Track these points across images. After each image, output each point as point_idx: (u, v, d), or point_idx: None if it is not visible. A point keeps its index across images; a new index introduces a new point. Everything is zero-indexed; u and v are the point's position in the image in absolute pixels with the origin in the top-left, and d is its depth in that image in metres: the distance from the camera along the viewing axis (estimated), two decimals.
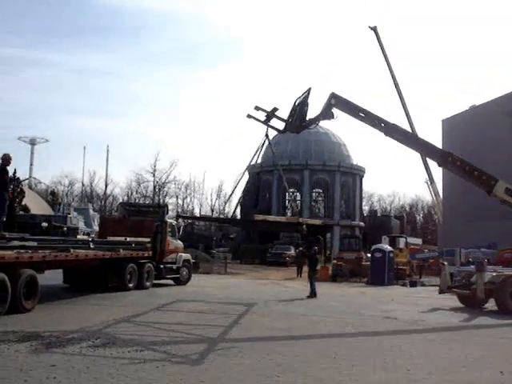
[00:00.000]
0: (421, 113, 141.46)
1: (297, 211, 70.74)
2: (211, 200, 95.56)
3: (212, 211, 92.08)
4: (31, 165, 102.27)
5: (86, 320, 12.99)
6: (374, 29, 51.04)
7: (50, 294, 17.41)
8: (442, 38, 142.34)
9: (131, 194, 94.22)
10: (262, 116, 19.20)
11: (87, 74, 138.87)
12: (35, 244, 15.02)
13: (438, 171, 57.51)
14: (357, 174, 71.87)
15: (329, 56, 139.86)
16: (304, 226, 31.24)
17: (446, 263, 22.92)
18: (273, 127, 19.66)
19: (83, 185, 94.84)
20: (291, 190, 72.32)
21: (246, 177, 71.85)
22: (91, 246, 17.87)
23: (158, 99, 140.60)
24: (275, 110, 19.06)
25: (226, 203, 65.12)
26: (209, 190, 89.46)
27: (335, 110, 18.21)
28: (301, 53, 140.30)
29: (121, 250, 19.54)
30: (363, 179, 74.63)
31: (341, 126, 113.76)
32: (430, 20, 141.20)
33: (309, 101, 18.36)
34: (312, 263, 23.42)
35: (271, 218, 23.69)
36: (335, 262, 36.54)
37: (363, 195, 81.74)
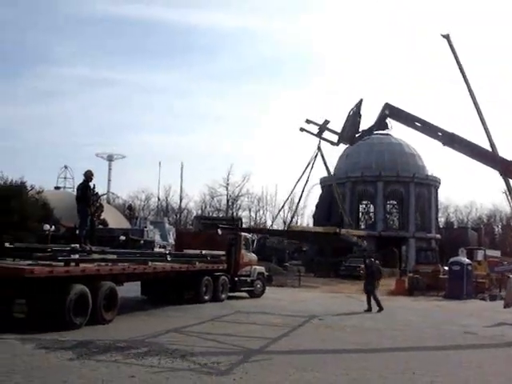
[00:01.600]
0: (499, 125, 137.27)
1: (370, 224, 69.79)
2: (283, 212, 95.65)
3: (284, 224, 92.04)
4: (109, 180, 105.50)
5: (161, 331, 13.28)
6: (447, 37, 49.69)
7: (129, 305, 17.85)
8: None
9: (205, 207, 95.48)
10: (315, 129, 19.08)
11: (159, 92, 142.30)
12: (115, 257, 15.52)
13: None
14: (432, 184, 70.16)
15: (403, 70, 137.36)
16: (364, 242, 30.72)
17: (511, 276, 21.98)
18: (326, 139, 19.42)
19: (159, 199, 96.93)
20: (364, 202, 71.40)
21: (318, 189, 71.53)
22: (168, 259, 18.25)
23: (231, 114, 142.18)
24: (327, 122, 18.89)
25: (292, 218, 64.58)
26: (281, 202, 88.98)
27: (390, 121, 17.82)
28: (371, 65, 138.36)
29: (196, 263, 19.88)
30: (438, 190, 72.81)
31: (414, 136, 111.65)
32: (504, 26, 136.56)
33: (361, 112, 18.11)
34: (371, 276, 22.78)
35: (308, 228, 23.62)
36: (411, 275, 35.77)
37: (439, 206, 79.61)
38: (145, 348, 10.83)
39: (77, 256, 13.76)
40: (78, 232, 16.11)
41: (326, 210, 68.74)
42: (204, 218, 32.35)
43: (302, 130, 19.41)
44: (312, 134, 19.29)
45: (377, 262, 39.97)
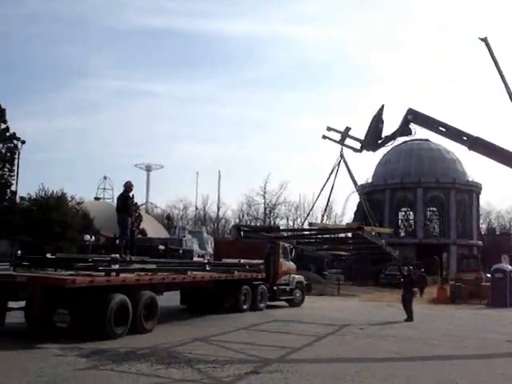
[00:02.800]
0: None
1: (410, 231, 68.89)
2: (321, 221, 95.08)
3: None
4: (147, 190, 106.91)
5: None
6: (485, 40, 48.94)
7: (169, 314, 17.94)
8: None
9: (242, 216, 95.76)
10: (337, 136, 18.96)
11: (195, 102, 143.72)
12: (154, 266, 15.63)
13: None
14: (473, 190, 68.94)
15: (443, 74, 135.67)
16: (396, 251, 30.25)
17: None
18: (349, 146, 19.22)
19: (197, 208, 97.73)
20: (404, 209, 70.57)
21: (356, 196, 71.09)
22: (207, 268, 18.31)
23: (266, 122, 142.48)
24: (348, 129, 18.75)
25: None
26: (318, 210, 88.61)
27: (413, 126, 17.54)
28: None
29: (235, 272, 19.88)
30: (480, 195, 71.47)
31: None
32: None
33: (383, 118, 17.90)
34: (410, 285, 22.37)
35: (330, 225, 23.36)
36: (453, 282, 35.17)
37: (480, 212, 78.16)
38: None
39: (117, 266, 13.90)
40: (118, 242, 16.29)
41: (364, 217, 68.18)
42: (242, 228, 32.11)
43: (324, 137, 19.35)
44: (334, 141, 19.18)
45: (422, 270, 39.59)
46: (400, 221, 71.34)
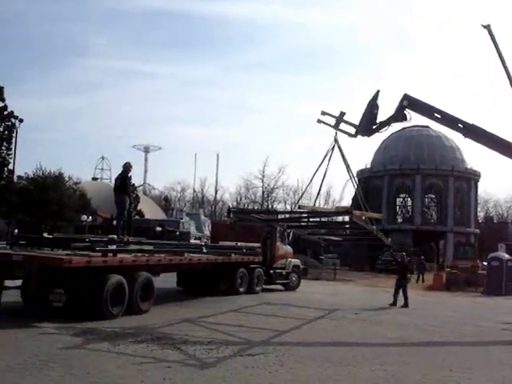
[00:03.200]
0: None
1: (407, 217, 68.92)
2: (319, 205, 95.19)
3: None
4: (145, 172, 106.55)
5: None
6: (488, 27, 48.56)
7: (165, 296, 17.97)
8: None
9: (240, 199, 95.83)
10: (332, 121, 18.90)
11: (193, 84, 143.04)
12: (151, 248, 15.61)
13: None
14: (471, 178, 68.94)
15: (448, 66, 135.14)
16: (389, 239, 30.17)
17: None
18: (343, 131, 19.13)
19: (194, 191, 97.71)
20: (402, 195, 70.59)
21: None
22: (204, 251, 18.29)
23: (267, 106, 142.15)
24: (342, 114, 18.68)
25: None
26: (315, 195, 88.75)
27: (409, 112, 17.49)
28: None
29: (232, 255, 19.88)
30: (478, 184, 71.50)
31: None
32: None
33: (378, 103, 17.83)
34: (404, 271, 22.38)
35: (320, 208, 23.19)
36: (449, 270, 35.27)
37: (478, 200, 78.22)
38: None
39: (114, 246, 13.88)
40: (115, 222, 16.26)
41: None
42: (232, 209, 31.98)
43: (319, 121, 19.25)
44: (329, 125, 19.09)
45: (422, 257, 39.69)
46: (398, 207, 71.38)
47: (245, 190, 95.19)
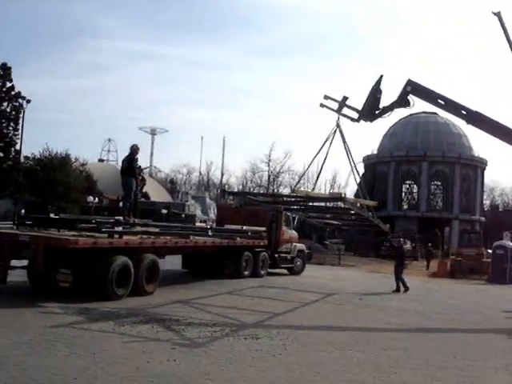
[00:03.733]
0: None
1: (413, 204, 68.78)
2: (325, 191, 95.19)
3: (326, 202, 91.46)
4: (151, 154, 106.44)
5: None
6: (498, 14, 47.90)
7: (170, 278, 18.05)
8: None
9: (246, 183, 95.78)
10: (335, 105, 18.85)
11: (202, 67, 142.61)
12: (157, 230, 15.66)
13: None
14: (478, 166, 68.69)
15: (452, 51, 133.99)
16: (387, 225, 30.11)
17: None
18: (346, 116, 19.05)
19: (200, 174, 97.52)
20: (408, 182, 70.43)
21: (361, 167, 71.09)
22: (209, 234, 18.34)
23: (275, 90, 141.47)
24: (345, 99, 18.63)
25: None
26: (323, 180, 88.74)
27: (412, 98, 17.43)
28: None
29: (237, 238, 19.93)
30: (485, 172, 71.23)
31: None
32: None
33: (381, 88, 17.77)
34: (401, 257, 22.40)
35: (313, 193, 22.94)
36: (454, 257, 35.26)
37: (484, 188, 77.95)
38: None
39: (120, 228, 13.93)
40: (121, 204, 16.28)
41: (369, 189, 67.97)
42: (227, 190, 31.88)
43: (322, 105, 19.17)
44: (332, 109, 19.02)
45: (429, 244, 39.68)
46: (404, 193, 71.24)
47: (251, 174, 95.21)
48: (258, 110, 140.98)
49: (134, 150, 15.68)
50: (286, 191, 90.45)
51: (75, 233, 13.19)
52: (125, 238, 13.82)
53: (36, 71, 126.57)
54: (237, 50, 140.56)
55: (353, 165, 21.40)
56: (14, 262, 13.24)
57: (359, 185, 24.26)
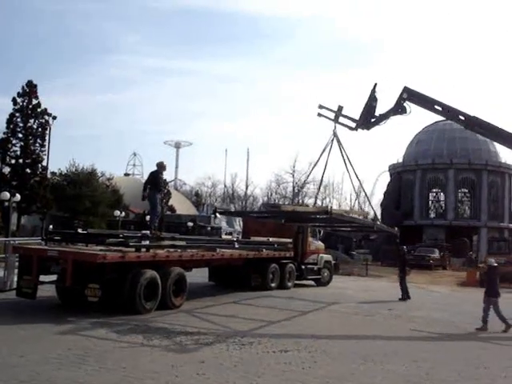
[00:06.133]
0: None
1: (440, 212, 68.07)
2: (350, 200, 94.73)
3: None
4: (176, 167, 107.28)
5: (231, 319, 13.40)
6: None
7: (197, 291, 18.06)
8: None
9: (271, 194, 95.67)
10: (332, 114, 18.81)
11: (224, 80, 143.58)
12: (184, 243, 15.71)
13: None
14: (506, 172, 67.73)
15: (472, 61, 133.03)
16: (396, 228, 29.74)
17: None
18: (344, 125, 18.97)
19: (225, 186, 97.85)
20: (435, 190, 69.74)
21: (387, 176, 70.60)
22: (236, 246, 18.33)
23: (299, 101, 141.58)
24: (340, 108, 18.59)
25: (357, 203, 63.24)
26: (348, 190, 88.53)
27: (409, 105, 17.31)
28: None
29: (264, 250, 19.89)
30: None
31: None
32: None
33: (377, 96, 17.69)
34: (403, 264, 22.42)
35: (300, 208, 22.41)
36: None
37: None
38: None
39: (147, 242, 14.03)
40: (149, 218, 16.37)
41: (395, 198, 67.51)
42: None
43: (319, 115, 19.15)
44: (330, 119, 18.99)
45: (470, 253, 39.16)
46: (430, 202, 70.55)
47: (275, 186, 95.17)
48: (282, 121, 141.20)
49: (161, 166, 15.68)
50: (310, 202, 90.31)
51: (103, 247, 13.32)
52: (152, 251, 13.91)
53: (61, 88, 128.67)
54: (251, 63, 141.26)
55: (353, 175, 21.04)
56: (42, 278, 13.38)
57: (365, 194, 23.78)
